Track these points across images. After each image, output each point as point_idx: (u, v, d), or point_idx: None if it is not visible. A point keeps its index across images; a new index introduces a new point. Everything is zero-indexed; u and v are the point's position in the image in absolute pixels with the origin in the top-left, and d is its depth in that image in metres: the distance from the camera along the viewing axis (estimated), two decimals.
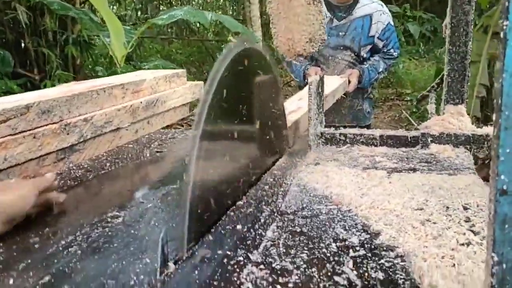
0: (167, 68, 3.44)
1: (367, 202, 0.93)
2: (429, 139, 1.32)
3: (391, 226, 0.82)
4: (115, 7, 8.64)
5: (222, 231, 0.82)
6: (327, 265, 0.70)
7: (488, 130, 1.30)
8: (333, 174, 1.10)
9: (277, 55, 1.74)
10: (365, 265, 0.70)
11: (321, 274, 0.67)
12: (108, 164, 1.26)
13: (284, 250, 0.75)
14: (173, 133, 1.64)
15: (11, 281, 0.68)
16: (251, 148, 1.07)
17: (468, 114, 1.40)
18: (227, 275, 0.67)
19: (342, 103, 2.61)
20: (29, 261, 0.74)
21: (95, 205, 1.02)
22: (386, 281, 0.65)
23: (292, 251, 0.74)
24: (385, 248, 0.75)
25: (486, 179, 1.04)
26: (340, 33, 2.62)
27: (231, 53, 0.89)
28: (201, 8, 9.45)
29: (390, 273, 0.67)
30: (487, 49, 3.66)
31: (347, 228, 0.83)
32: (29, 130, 1.10)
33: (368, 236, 0.80)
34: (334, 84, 2.13)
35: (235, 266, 0.70)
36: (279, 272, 0.68)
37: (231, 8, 10.53)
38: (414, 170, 1.14)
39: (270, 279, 0.66)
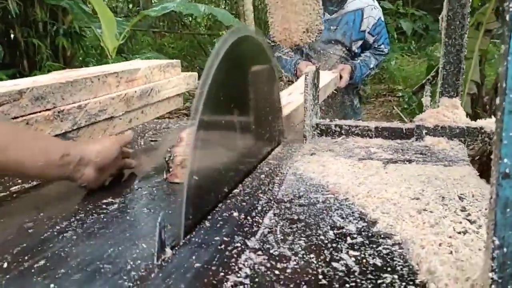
0: None
1: (364, 191, 0.92)
2: (424, 132, 1.32)
3: (388, 214, 0.82)
4: None
5: (219, 218, 0.81)
6: (325, 251, 0.70)
7: (482, 123, 1.30)
8: (329, 164, 1.10)
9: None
10: (363, 252, 0.70)
11: (319, 260, 0.67)
12: None
13: (282, 237, 0.74)
14: (167, 123, 1.63)
15: (5, 265, 0.67)
16: (247, 136, 1.06)
17: None
18: (225, 260, 0.67)
19: (333, 98, 2.60)
20: (24, 245, 0.73)
21: (89, 193, 1.01)
22: (384, 267, 0.65)
23: (290, 238, 0.74)
24: (382, 236, 0.75)
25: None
26: (331, 27, 2.60)
27: (229, 40, 0.88)
28: (194, 1, 9.41)
29: (388, 260, 0.67)
30: (479, 46, 3.68)
31: (344, 216, 0.83)
32: (22, 116, 1.09)
33: (366, 224, 0.80)
34: (325, 79, 2.13)
35: (233, 252, 0.69)
36: (277, 258, 0.68)
37: (224, 1, 10.49)
38: (410, 161, 1.14)
39: (268, 265, 0.66)
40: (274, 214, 0.83)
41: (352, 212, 0.84)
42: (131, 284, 0.61)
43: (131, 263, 0.67)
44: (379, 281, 0.61)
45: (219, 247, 0.71)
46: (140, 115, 1.52)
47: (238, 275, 0.63)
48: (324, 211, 0.85)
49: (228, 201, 0.89)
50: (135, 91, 1.46)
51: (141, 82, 1.53)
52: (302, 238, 0.74)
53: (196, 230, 0.77)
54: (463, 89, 3.65)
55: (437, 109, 1.37)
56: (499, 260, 0.50)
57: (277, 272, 0.64)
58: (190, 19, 9.43)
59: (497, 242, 0.49)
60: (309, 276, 0.63)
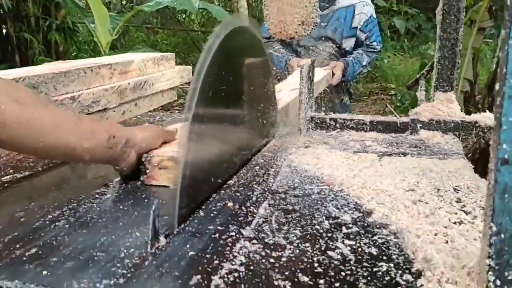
0: None
1: (358, 182, 0.92)
2: (419, 125, 1.32)
3: (383, 205, 0.82)
4: None
5: (213, 208, 0.81)
6: (320, 240, 0.69)
7: (477, 117, 1.31)
8: (324, 156, 1.10)
9: None
10: (358, 241, 0.69)
11: (314, 249, 0.67)
12: None
13: (277, 227, 0.74)
14: (161, 116, 1.62)
15: None
16: (242, 128, 1.05)
17: None
18: (219, 249, 0.66)
19: (323, 95, 2.59)
20: (15, 233, 0.71)
21: (81, 183, 1.00)
22: (379, 256, 0.65)
23: (285, 228, 0.74)
24: (378, 226, 0.75)
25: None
26: (322, 24, 2.58)
27: (223, 32, 0.87)
28: None
29: (384, 249, 0.67)
30: (472, 43, 3.69)
31: (339, 206, 0.82)
32: None
33: (361, 214, 0.79)
34: (317, 76, 2.12)
35: (227, 241, 0.69)
36: (272, 246, 0.67)
37: None
38: (405, 154, 1.14)
39: (264, 253, 0.65)
40: (269, 205, 0.83)
41: (347, 203, 0.84)
42: (124, 272, 0.60)
43: (125, 251, 0.66)
44: (374, 269, 0.61)
45: (213, 236, 0.70)
46: (133, 108, 1.51)
47: (233, 262, 0.62)
48: (319, 202, 0.84)
49: (223, 191, 0.89)
50: (129, 83, 1.45)
51: (135, 74, 1.52)
52: (297, 228, 0.74)
53: (190, 219, 0.76)
54: (456, 86, 3.67)
55: (432, 103, 1.37)
56: (497, 246, 0.49)
57: (272, 260, 0.63)
58: (184, 16, 9.38)
59: (494, 229, 0.49)
60: (305, 264, 0.62)
